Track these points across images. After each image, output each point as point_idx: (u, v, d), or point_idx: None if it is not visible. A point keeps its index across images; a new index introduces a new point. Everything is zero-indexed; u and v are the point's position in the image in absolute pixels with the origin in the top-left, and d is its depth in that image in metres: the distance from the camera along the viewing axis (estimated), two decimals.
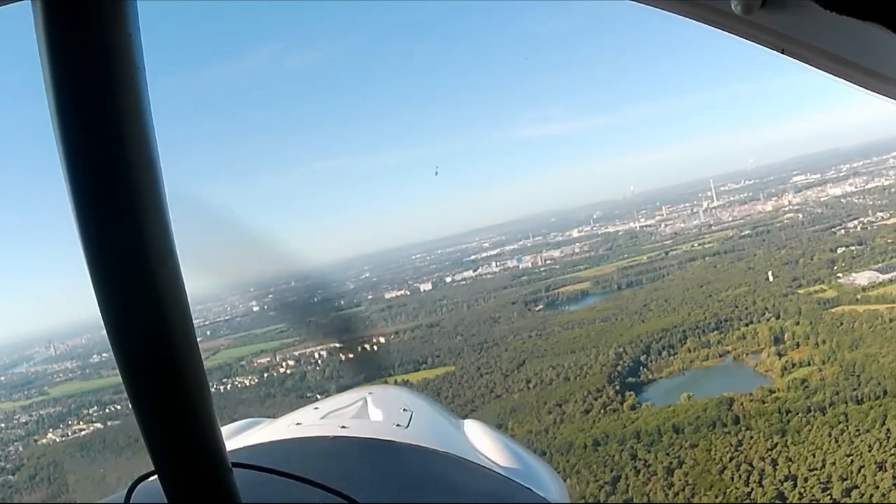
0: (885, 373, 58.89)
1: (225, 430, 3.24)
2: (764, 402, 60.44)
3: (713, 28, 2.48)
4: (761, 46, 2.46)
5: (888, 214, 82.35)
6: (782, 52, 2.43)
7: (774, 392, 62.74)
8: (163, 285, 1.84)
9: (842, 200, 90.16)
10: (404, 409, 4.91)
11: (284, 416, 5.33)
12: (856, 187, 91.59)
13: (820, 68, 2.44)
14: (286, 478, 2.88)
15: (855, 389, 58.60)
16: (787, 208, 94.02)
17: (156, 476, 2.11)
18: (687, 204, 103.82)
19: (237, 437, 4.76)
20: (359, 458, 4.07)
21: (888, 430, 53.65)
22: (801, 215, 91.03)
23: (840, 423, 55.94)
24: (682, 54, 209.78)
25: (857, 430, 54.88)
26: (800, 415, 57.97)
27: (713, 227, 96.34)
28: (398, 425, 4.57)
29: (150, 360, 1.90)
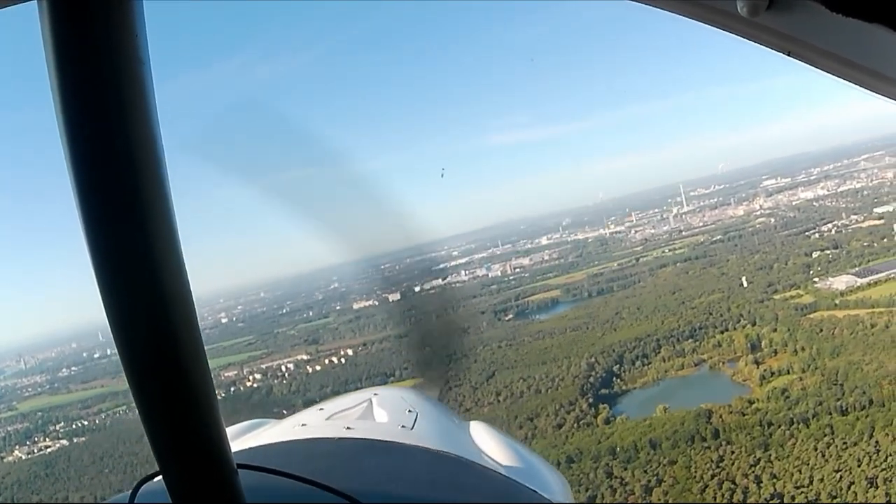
0: (869, 381, 55.52)
1: (230, 430, 3.13)
2: (744, 414, 56.89)
3: (719, 30, 2.46)
4: (767, 48, 2.45)
5: (862, 217, 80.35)
6: (788, 55, 2.42)
7: (754, 403, 59.35)
8: (168, 285, 1.82)
9: (814, 204, 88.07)
10: (409, 411, 4.70)
11: (289, 417, 5.09)
12: (828, 190, 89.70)
13: (826, 70, 2.42)
14: (291, 479, 2.82)
15: (839, 399, 55.19)
16: (758, 213, 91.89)
17: (160, 476, 2.08)
18: (657, 209, 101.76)
19: (242, 438, 4.54)
20: (364, 460, 3.94)
21: (877, 442, 50.11)
22: (773, 219, 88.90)
23: (826, 435, 52.34)
24: (649, 61, 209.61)
25: (845, 443, 51.33)
26: (782, 427, 54.44)
27: (684, 233, 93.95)
28: (403, 427, 4.40)
29: (156, 361, 1.88)
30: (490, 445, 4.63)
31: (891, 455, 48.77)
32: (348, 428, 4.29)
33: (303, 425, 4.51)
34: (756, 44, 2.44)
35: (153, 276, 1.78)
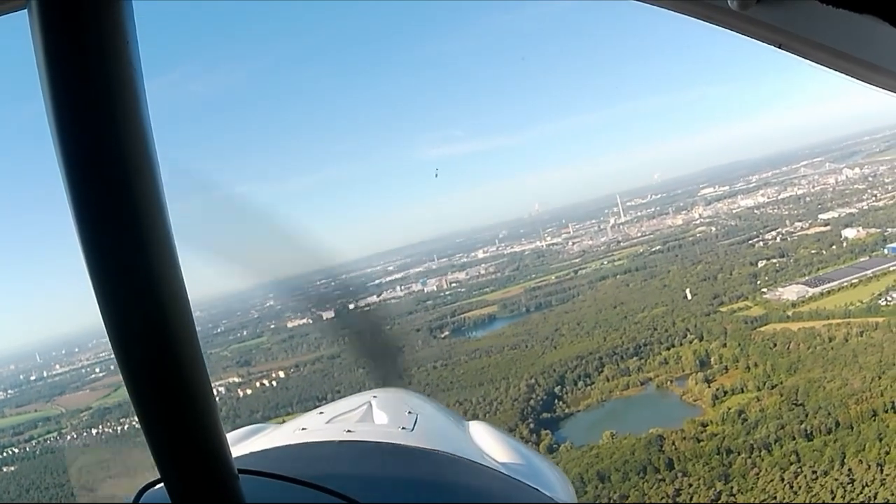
0: (833, 401, 49.33)
1: (230, 436, 3.06)
2: (699, 441, 50.24)
3: (709, 24, 2.42)
4: (758, 41, 2.39)
5: (808, 224, 76.33)
6: (779, 47, 2.36)
7: (708, 426, 53.06)
8: (165, 291, 1.77)
9: (755, 212, 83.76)
10: (409, 412, 4.41)
11: (289, 421, 4.84)
12: (768, 198, 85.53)
13: (818, 62, 2.38)
14: (292, 483, 2.73)
15: (802, 422, 49.13)
16: (698, 221, 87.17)
17: (162, 483, 2.04)
18: (593, 220, 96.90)
19: (242, 443, 4.20)
20: (365, 462, 3.74)
21: (850, 470, 43.68)
22: (713, 228, 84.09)
23: (792, 463, 45.90)
24: (582, 74, 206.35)
25: (814, 471, 44.88)
26: (743, 455, 47.95)
27: (622, 244, 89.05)
28: (403, 428, 4.10)
29: (154, 368, 1.83)
30: (491, 445, 4.21)
31: (868, 485, 42.36)
32: (348, 431, 3.95)
33: (303, 429, 4.13)
34: (747, 37, 2.37)
35: (149, 282, 1.70)
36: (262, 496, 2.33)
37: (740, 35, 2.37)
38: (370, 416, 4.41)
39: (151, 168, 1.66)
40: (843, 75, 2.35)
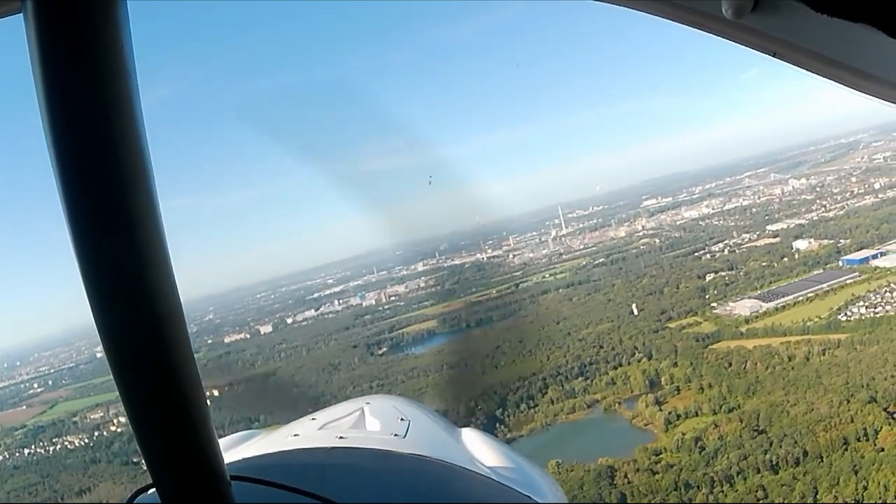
0: (799, 428, 43.39)
1: (222, 442, 2.89)
2: (654, 473, 44.22)
3: (703, 32, 2.41)
4: (752, 50, 2.38)
5: (756, 235, 71.73)
6: (774, 56, 2.35)
7: (662, 454, 46.98)
8: (158, 296, 1.75)
9: (700, 223, 78.97)
10: (401, 419, 4.48)
11: (282, 427, 4.79)
12: (713, 209, 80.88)
13: (812, 71, 2.37)
14: (284, 490, 2.70)
15: (766, 451, 43.35)
16: (641, 233, 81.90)
17: (154, 489, 2.03)
18: (535, 232, 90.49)
19: (235, 449, 4.30)
20: (357, 469, 3.72)
21: None
22: (657, 240, 78.93)
23: (759, 500, 39.30)
24: (522, 85, 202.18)
25: None
26: (703, 489, 42.00)
27: (564, 256, 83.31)
28: (396, 435, 4.19)
29: (147, 374, 1.82)
30: (482, 451, 4.31)
31: None
32: (340, 437, 4.03)
33: (295, 435, 4.23)
34: (741, 45, 2.34)
35: (143, 288, 1.68)
36: (254, 503, 2.27)
37: (733, 43, 2.33)
38: (362, 423, 4.33)
39: (146, 170, 1.61)
40: (836, 84, 2.31)
